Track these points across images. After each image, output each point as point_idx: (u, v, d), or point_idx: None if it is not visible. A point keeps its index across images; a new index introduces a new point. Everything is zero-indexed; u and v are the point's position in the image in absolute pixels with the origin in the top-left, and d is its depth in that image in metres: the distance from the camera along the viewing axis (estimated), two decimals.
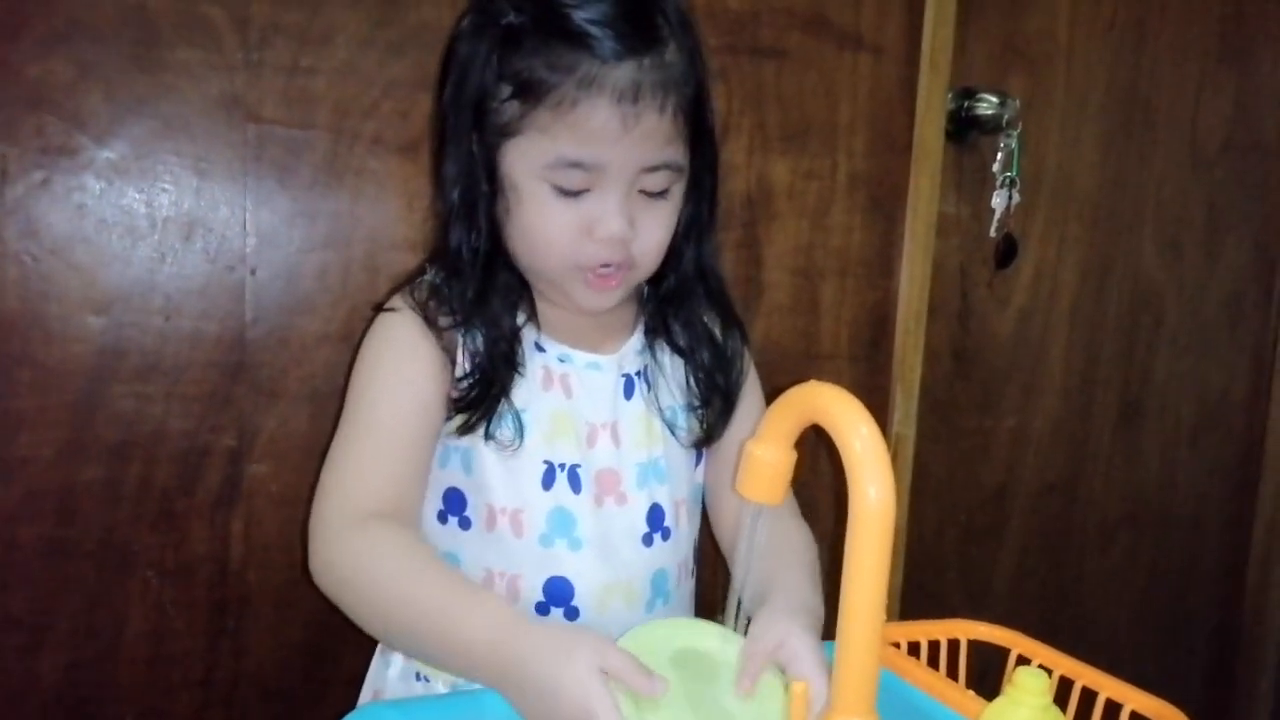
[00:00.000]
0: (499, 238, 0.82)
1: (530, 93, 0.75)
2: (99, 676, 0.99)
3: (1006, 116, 1.26)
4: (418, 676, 0.84)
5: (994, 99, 1.27)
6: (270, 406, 1.01)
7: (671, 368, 0.88)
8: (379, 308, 0.85)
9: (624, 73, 0.74)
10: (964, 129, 1.28)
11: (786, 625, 0.67)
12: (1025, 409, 1.40)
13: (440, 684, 0.82)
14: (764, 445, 0.56)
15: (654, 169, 0.77)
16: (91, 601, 0.98)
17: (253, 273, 1.00)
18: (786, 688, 0.61)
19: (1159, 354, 1.46)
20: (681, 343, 0.87)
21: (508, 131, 0.77)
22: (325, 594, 0.79)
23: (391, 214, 1.03)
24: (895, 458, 1.28)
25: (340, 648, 1.05)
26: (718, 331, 0.89)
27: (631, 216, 0.77)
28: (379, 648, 0.89)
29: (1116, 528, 1.47)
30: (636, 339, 0.88)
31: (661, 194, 0.79)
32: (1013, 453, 1.40)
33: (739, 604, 0.69)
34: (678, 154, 0.79)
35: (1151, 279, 1.44)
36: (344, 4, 0.99)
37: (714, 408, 0.87)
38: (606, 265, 0.79)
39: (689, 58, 0.78)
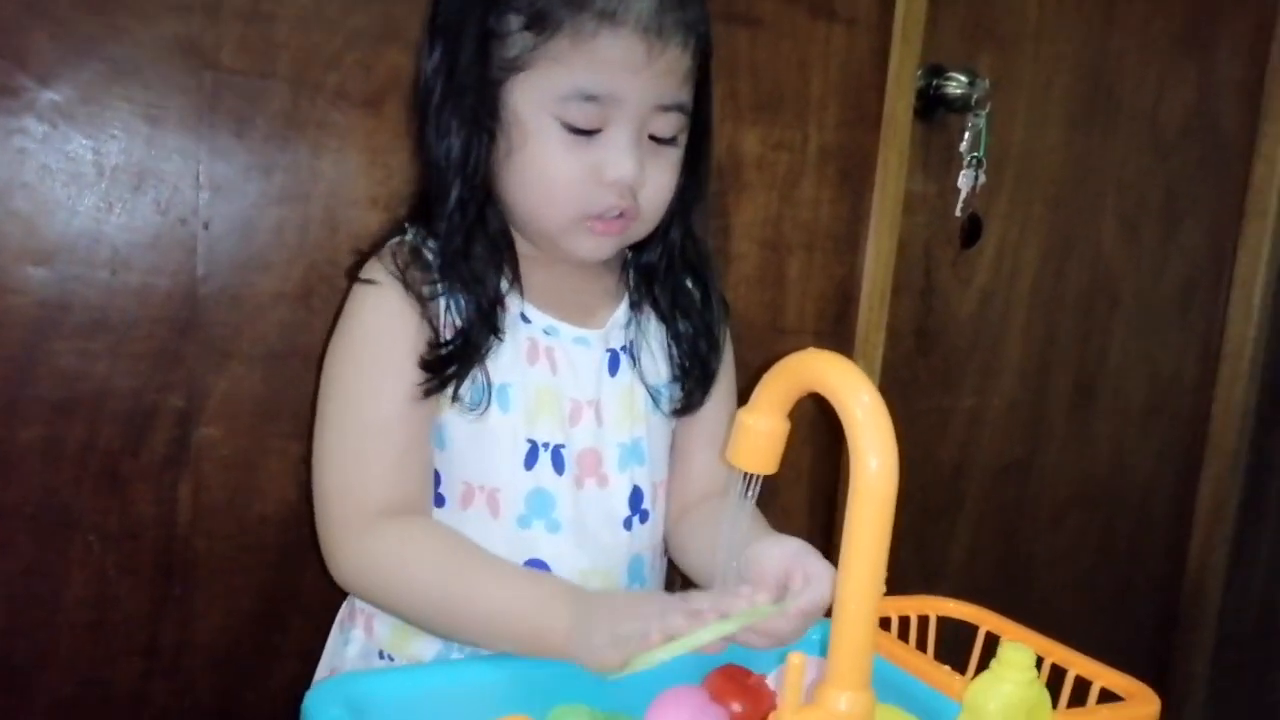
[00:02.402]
0: (490, 190, 0.78)
1: (545, 23, 0.72)
2: (36, 644, 0.94)
3: (975, 96, 1.26)
4: (380, 654, 0.81)
5: (963, 78, 1.26)
6: (222, 367, 0.97)
7: (655, 337, 0.86)
8: (354, 276, 0.81)
9: (646, 4, 0.72)
10: (932, 107, 1.28)
11: (795, 544, 0.67)
12: (984, 388, 1.40)
13: (403, 661, 0.80)
14: (757, 414, 0.55)
15: (667, 108, 0.75)
16: (29, 566, 0.93)
17: (206, 226, 0.96)
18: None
19: (1114, 336, 1.48)
20: (664, 308, 0.86)
21: (517, 65, 0.74)
22: (361, 598, 0.77)
23: (353, 169, 0.99)
24: None
25: (290, 616, 1.02)
26: (698, 300, 0.87)
27: (640, 161, 0.75)
28: (336, 625, 0.87)
29: (1068, 507, 1.49)
30: (621, 311, 0.86)
31: (670, 141, 0.77)
32: (970, 432, 1.41)
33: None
34: (689, 98, 0.77)
35: (1110, 261, 1.45)
36: None
37: (694, 375, 0.85)
38: (612, 210, 0.76)
39: (700, 3, 0.77)
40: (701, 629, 0.59)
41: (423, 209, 0.81)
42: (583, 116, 0.74)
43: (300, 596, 1.02)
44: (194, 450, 0.98)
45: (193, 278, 0.96)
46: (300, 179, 0.98)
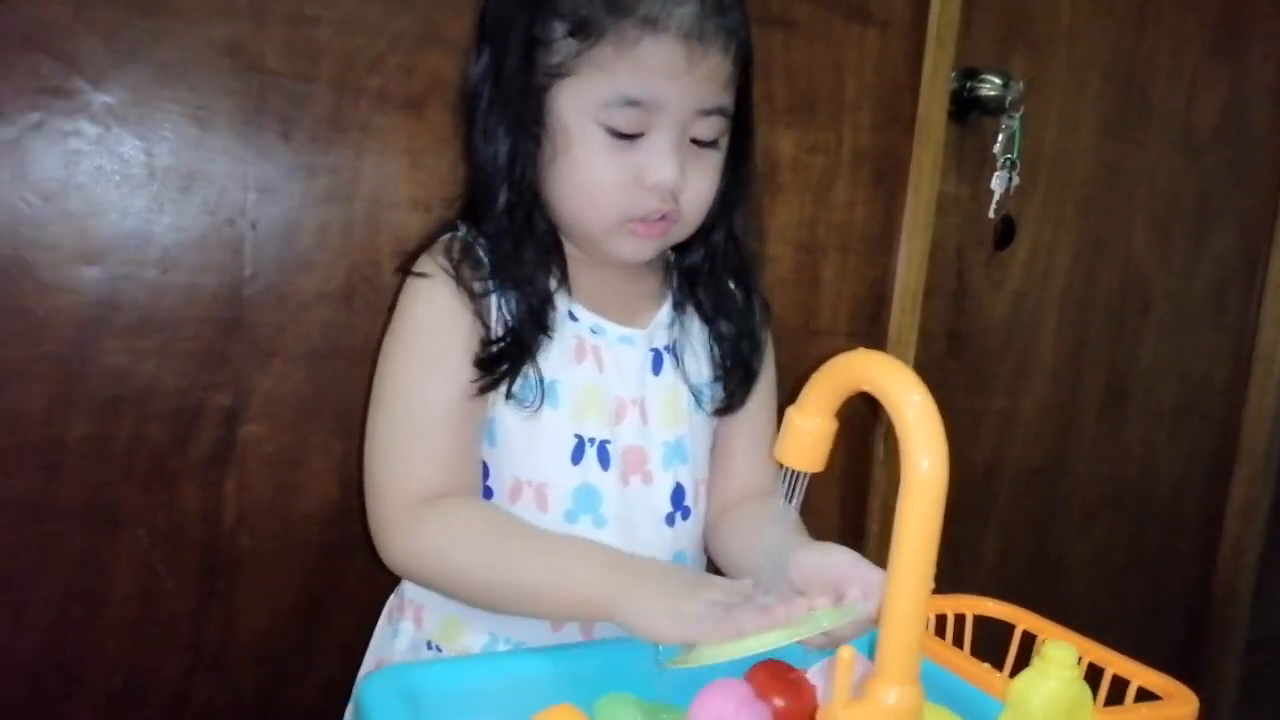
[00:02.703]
0: (536, 193, 0.80)
1: (589, 30, 0.73)
2: (85, 638, 0.96)
3: (1009, 98, 1.26)
4: (429, 645, 0.83)
5: (997, 80, 1.27)
6: (266, 365, 0.99)
7: (699, 337, 0.87)
8: (407, 270, 0.82)
9: (688, 11, 0.73)
10: (966, 109, 1.28)
11: (846, 554, 0.68)
12: (1015, 390, 1.41)
13: (451, 653, 0.81)
14: (805, 413, 0.56)
15: (709, 113, 0.77)
16: (78, 561, 0.95)
17: (253, 227, 0.97)
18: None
19: (1145, 338, 1.48)
20: (707, 309, 0.87)
21: (562, 71, 0.75)
22: (413, 580, 0.79)
23: (394, 171, 1.01)
24: (885, 435, 1.29)
25: (331, 612, 1.04)
26: (740, 301, 0.88)
27: (682, 165, 0.76)
28: (384, 616, 0.88)
29: (1099, 509, 1.49)
30: (665, 311, 0.87)
31: (711, 145, 0.79)
32: (1002, 433, 1.41)
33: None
34: (730, 102, 0.79)
35: (1141, 264, 1.45)
36: None
37: (736, 375, 0.86)
38: (654, 213, 0.77)
39: (741, 9, 0.78)
40: (770, 632, 0.59)
41: (472, 209, 0.82)
42: (625, 121, 0.75)
43: (342, 593, 1.04)
44: (239, 448, 0.99)
45: (239, 277, 0.97)
46: (343, 180, 0.99)
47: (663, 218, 0.78)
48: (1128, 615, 1.51)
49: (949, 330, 1.34)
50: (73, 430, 0.94)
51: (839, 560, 0.68)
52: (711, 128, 0.78)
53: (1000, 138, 1.29)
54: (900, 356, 1.27)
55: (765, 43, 1.16)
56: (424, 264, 0.81)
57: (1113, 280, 1.44)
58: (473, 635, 0.80)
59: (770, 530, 0.64)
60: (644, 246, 0.80)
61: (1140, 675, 0.73)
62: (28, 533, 0.93)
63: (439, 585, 0.77)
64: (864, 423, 1.28)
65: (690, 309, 0.87)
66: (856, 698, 0.49)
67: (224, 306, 0.97)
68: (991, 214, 1.31)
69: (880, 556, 1.33)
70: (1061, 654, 0.57)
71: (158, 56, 0.92)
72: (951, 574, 1.38)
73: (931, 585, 0.49)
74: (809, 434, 0.56)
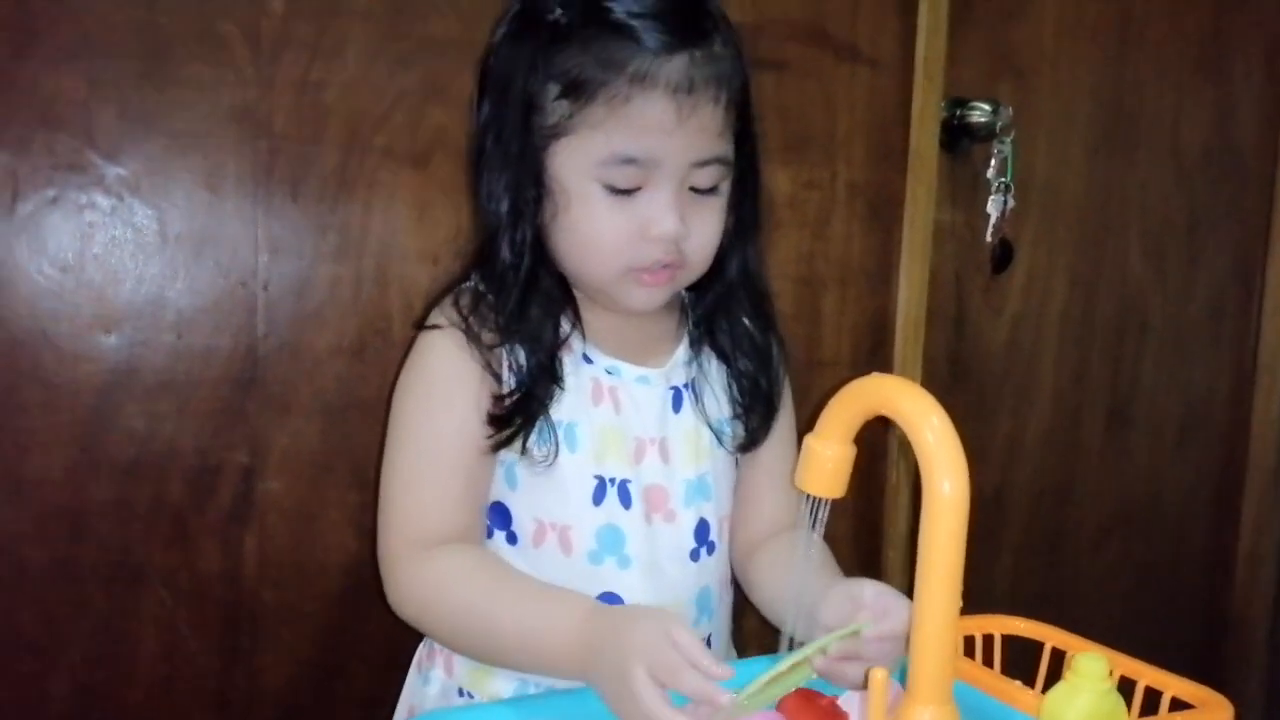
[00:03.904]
0: (542, 246, 0.81)
1: (581, 90, 0.75)
2: (112, 699, 0.97)
3: (999, 123, 1.28)
4: (460, 693, 0.83)
5: (986, 106, 1.29)
6: (282, 422, 1.01)
7: (716, 375, 0.88)
8: (420, 325, 0.84)
9: (677, 65, 0.74)
10: (956, 137, 1.31)
11: (872, 586, 0.68)
12: (1019, 414, 1.42)
13: (483, 699, 0.81)
14: (824, 439, 0.57)
15: (705, 163, 0.77)
16: (104, 623, 0.96)
17: (265, 287, 0.99)
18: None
19: (1145, 358, 1.49)
20: (725, 348, 0.87)
21: (557, 131, 0.77)
22: (409, 621, 0.79)
23: (402, 225, 1.03)
24: (896, 463, 1.30)
25: (353, 663, 1.04)
26: (758, 338, 0.88)
27: (682, 214, 0.77)
28: (414, 666, 0.89)
29: (1109, 529, 1.50)
30: (682, 350, 0.87)
31: (711, 191, 0.79)
32: (1008, 458, 1.42)
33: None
34: (728, 149, 0.79)
35: (1137, 284, 1.47)
36: (353, 17, 0.99)
37: (756, 413, 0.87)
38: (656, 267, 0.78)
39: (735, 51, 0.79)
40: (781, 674, 0.60)
41: (482, 259, 0.83)
42: (623, 178, 0.76)
43: (363, 643, 1.04)
44: (258, 504, 1.00)
45: (253, 337, 0.99)
46: (352, 237, 1.01)
47: (667, 266, 0.79)
48: (1144, 634, 1.51)
49: (951, 357, 1.36)
50: (95, 495, 0.95)
51: (866, 594, 0.68)
52: (709, 176, 0.79)
53: (993, 162, 1.31)
54: None
55: (757, 84, 1.16)
56: (435, 316, 0.83)
57: (1110, 301, 1.45)
58: (503, 681, 0.81)
59: (800, 555, 0.64)
60: (653, 295, 0.81)
61: (1173, 685, 0.73)
62: (54, 597, 0.94)
63: (432, 631, 0.79)
64: (874, 451, 1.29)
65: (707, 348, 0.88)
66: None
67: (239, 366, 0.99)
68: (989, 237, 1.33)
69: (900, 584, 1.32)
70: (1094, 666, 0.57)
71: (169, 126, 0.95)
72: (967, 596, 1.38)
73: (959, 605, 0.50)
74: (829, 460, 0.57)
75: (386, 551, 0.79)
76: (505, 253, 0.80)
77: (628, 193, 0.76)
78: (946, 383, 1.36)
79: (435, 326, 0.81)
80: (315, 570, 1.03)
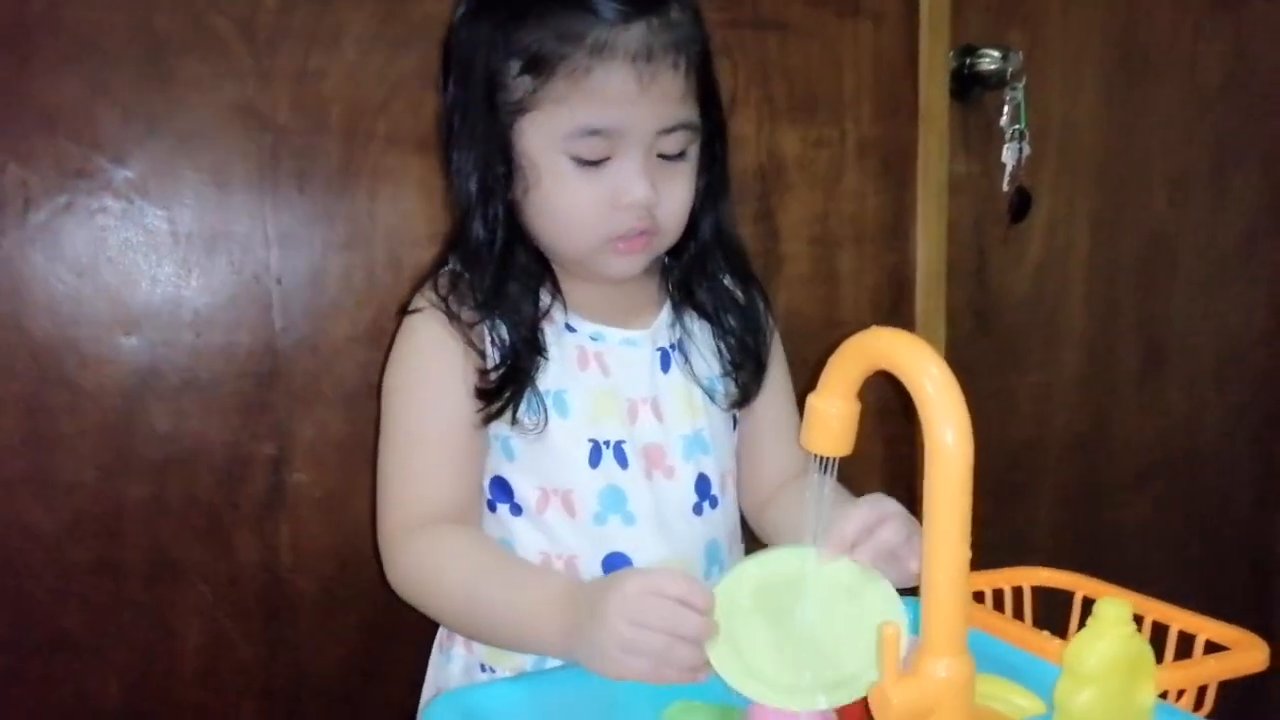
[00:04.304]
0: (515, 221, 0.82)
1: (542, 65, 0.75)
2: (160, 693, 0.99)
3: (1010, 70, 1.26)
4: (482, 668, 0.84)
5: (996, 53, 1.27)
6: (306, 412, 1.02)
7: (702, 336, 0.88)
8: (404, 310, 0.85)
9: (635, 34, 0.75)
10: (967, 86, 1.29)
11: (873, 500, 0.69)
12: (1048, 363, 1.40)
13: (505, 672, 0.82)
14: (826, 397, 0.56)
15: (671, 129, 0.78)
16: (147, 618, 0.98)
17: (278, 281, 1.00)
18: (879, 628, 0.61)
19: (1176, 299, 1.46)
20: (708, 308, 0.88)
21: (522, 107, 0.77)
22: (406, 600, 0.80)
23: (410, 210, 1.03)
24: None
25: (396, 646, 1.06)
26: (740, 296, 0.89)
27: (652, 181, 0.78)
28: (436, 645, 0.90)
29: (1148, 474, 1.48)
30: (665, 313, 0.88)
31: (679, 156, 0.80)
32: (1039, 407, 1.40)
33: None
34: (692, 113, 0.80)
35: (1163, 223, 1.44)
36: (347, 4, 0.99)
37: (746, 369, 0.88)
38: (631, 234, 0.79)
39: (693, 16, 0.80)
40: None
41: (459, 240, 0.84)
42: (590, 149, 0.77)
43: (402, 625, 1.05)
44: (289, 495, 1.02)
45: (271, 331, 1.00)
46: (361, 225, 1.02)
47: (643, 233, 0.80)
48: (1190, 578, 1.49)
49: (975, 308, 1.34)
50: (128, 494, 0.97)
51: (860, 508, 0.69)
52: (676, 142, 0.79)
53: (1006, 110, 1.29)
54: (929, 339, 1.26)
55: (760, 46, 1.17)
56: (417, 301, 0.84)
57: (1136, 242, 1.42)
58: (521, 655, 0.82)
59: (811, 514, 0.64)
60: (630, 263, 0.82)
61: (1207, 628, 0.72)
62: (97, 596, 0.96)
63: (429, 610, 0.79)
64: (900, 405, 1.28)
65: (690, 309, 0.88)
66: (906, 672, 0.50)
67: (260, 361, 1.00)
68: (1005, 186, 1.31)
69: None
70: (1115, 611, 0.56)
71: (173, 127, 0.96)
72: (1007, 550, 1.37)
73: (969, 555, 0.49)
74: (832, 418, 0.56)
75: (384, 532, 0.80)
76: (479, 231, 0.81)
77: (596, 164, 0.77)
78: (972, 335, 1.34)
79: (416, 310, 0.83)
80: (351, 556, 1.04)
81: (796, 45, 1.19)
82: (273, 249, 1.00)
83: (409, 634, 1.05)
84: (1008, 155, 1.30)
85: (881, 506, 0.70)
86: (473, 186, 0.80)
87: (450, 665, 0.86)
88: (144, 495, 0.97)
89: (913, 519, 0.69)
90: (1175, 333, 1.47)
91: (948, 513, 0.49)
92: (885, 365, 0.52)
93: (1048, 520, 1.41)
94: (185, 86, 0.95)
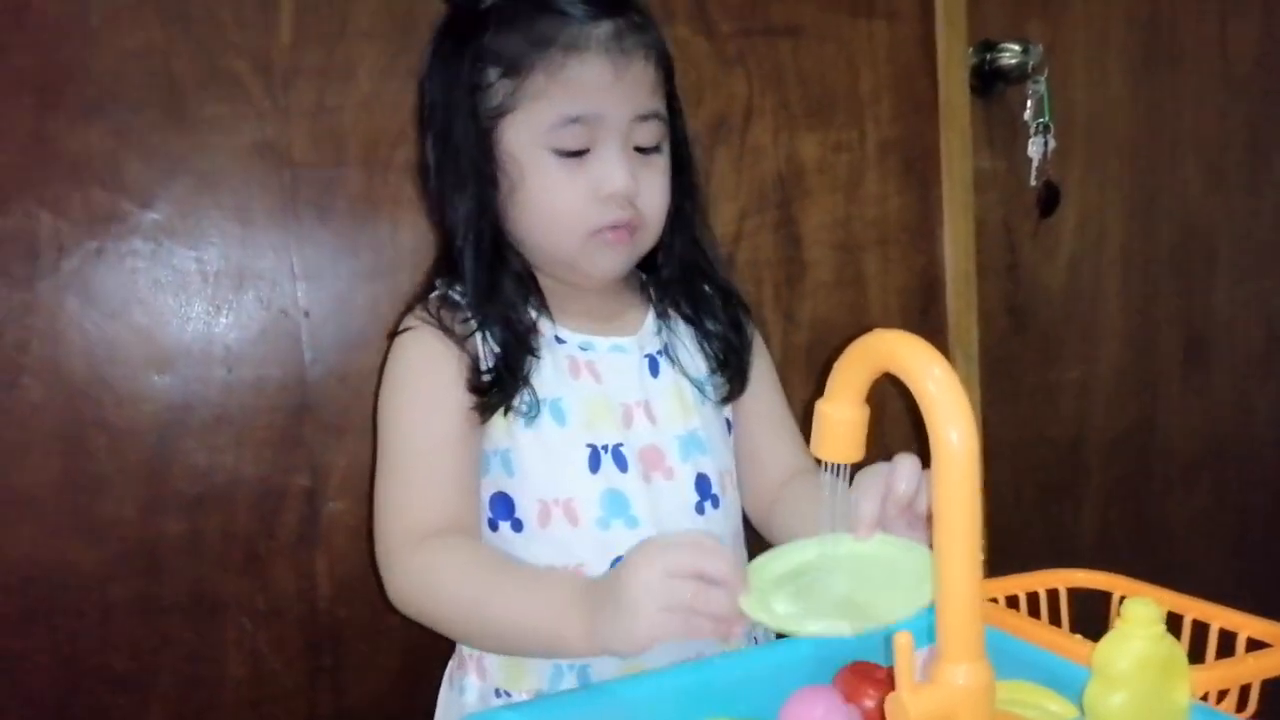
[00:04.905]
0: (503, 238, 0.84)
1: (520, 66, 0.80)
2: None
3: (1031, 63, 1.25)
4: (497, 693, 0.84)
5: (1016, 47, 1.26)
6: (339, 443, 1.03)
7: (687, 339, 0.91)
8: (394, 334, 0.87)
9: (606, 29, 0.80)
10: (989, 82, 1.27)
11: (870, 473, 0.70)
12: (1088, 358, 1.37)
13: (521, 695, 0.83)
14: (834, 403, 0.56)
15: (646, 118, 0.82)
16: (190, 652, 0.99)
17: (306, 314, 1.01)
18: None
19: (1217, 287, 1.43)
20: (690, 312, 0.91)
21: (503, 110, 0.81)
22: (406, 613, 0.81)
23: (432, 238, 1.03)
24: None
25: (436, 670, 1.05)
26: (719, 300, 0.92)
27: (632, 172, 0.81)
28: (446, 680, 0.90)
29: (1198, 468, 1.44)
30: (650, 320, 0.91)
31: (655, 150, 0.84)
32: (1081, 404, 1.38)
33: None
34: (663, 107, 0.84)
35: (1199, 209, 1.41)
36: (361, 38, 1.01)
37: (732, 365, 0.90)
38: (616, 225, 0.81)
39: (654, 23, 0.84)
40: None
41: (446, 264, 0.87)
42: (571, 139, 0.80)
43: (442, 650, 1.05)
44: (324, 525, 1.03)
45: (301, 363, 1.02)
46: (384, 254, 1.03)
47: (626, 225, 0.82)
48: (1248, 572, 1.45)
49: (1009, 306, 1.32)
50: (167, 530, 0.98)
51: (874, 476, 0.70)
52: (650, 133, 0.82)
53: (1029, 104, 1.27)
54: (961, 339, 1.25)
55: (773, 53, 1.17)
56: (407, 321, 0.86)
57: (1172, 231, 1.40)
58: (535, 676, 0.82)
59: (827, 521, 0.63)
60: (617, 257, 0.84)
61: (1248, 626, 0.70)
62: (139, 632, 0.98)
63: (429, 620, 0.79)
64: (913, 413, 1.26)
65: (673, 314, 0.91)
66: (923, 681, 0.49)
67: (290, 394, 1.01)
68: (1033, 181, 1.29)
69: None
70: (1143, 611, 0.55)
71: (195, 168, 0.97)
72: (1052, 553, 1.35)
73: (981, 557, 0.48)
74: (841, 424, 0.56)
75: (382, 549, 0.81)
76: (469, 244, 0.83)
77: (577, 155, 0.80)
78: (1007, 333, 1.32)
79: (407, 329, 0.85)
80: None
81: (810, 49, 1.18)
82: (299, 283, 1.01)
83: (448, 658, 1.06)
84: (1033, 149, 1.28)
85: (880, 469, 0.71)
86: (464, 200, 0.83)
87: (464, 697, 0.86)
88: (182, 530, 0.99)
89: (913, 457, 0.70)
90: (1218, 321, 1.43)
91: (957, 514, 0.48)
92: (889, 367, 0.52)
93: (1093, 520, 1.38)
94: (205, 128, 0.97)
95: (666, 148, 0.85)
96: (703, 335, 0.90)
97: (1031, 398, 1.34)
